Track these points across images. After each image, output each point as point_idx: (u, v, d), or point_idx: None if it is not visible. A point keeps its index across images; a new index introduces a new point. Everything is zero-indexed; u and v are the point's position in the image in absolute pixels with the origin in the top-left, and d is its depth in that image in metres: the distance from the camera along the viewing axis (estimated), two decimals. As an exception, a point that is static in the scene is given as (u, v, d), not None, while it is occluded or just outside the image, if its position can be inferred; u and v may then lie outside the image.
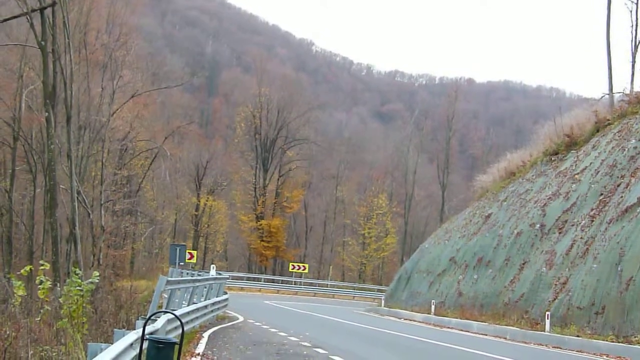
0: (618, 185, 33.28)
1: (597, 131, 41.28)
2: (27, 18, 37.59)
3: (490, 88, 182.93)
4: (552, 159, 44.65)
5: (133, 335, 12.34)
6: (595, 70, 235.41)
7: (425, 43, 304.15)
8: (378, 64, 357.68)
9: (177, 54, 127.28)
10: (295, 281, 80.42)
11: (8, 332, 15.01)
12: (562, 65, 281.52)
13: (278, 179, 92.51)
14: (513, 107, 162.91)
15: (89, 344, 12.10)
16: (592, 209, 34.09)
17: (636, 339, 24.85)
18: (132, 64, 66.77)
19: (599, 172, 36.02)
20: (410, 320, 43.82)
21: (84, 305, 19.58)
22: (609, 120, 40.92)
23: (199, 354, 18.44)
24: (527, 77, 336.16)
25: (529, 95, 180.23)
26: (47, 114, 36.64)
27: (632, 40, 46.58)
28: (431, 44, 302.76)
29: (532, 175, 45.60)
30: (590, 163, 37.91)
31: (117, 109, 60.10)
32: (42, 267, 22.23)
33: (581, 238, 33.04)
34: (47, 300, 21.12)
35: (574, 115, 46.86)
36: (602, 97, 48.24)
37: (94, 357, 10.22)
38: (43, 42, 36.19)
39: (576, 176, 38.46)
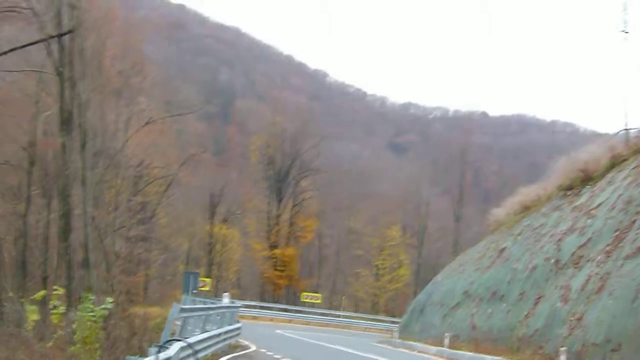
0: (634, 222, 33.07)
1: (613, 167, 41.11)
2: (45, 45, 37.81)
3: (504, 121, 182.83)
4: (567, 193, 44.46)
5: (147, 363, 12.30)
6: (610, 106, 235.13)
7: (440, 75, 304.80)
8: (392, 96, 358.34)
9: (191, 82, 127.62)
10: (308, 311, 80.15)
11: (22, 357, 14.98)
12: (576, 99, 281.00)
13: (292, 209, 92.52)
14: (527, 141, 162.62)
15: (103, 370, 12.06)
16: (607, 245, 33.86)
17: (652, 376, 24.58)
18: (147, 90, 67.15)
19: (614, 207, 35.82)
20: (424, 352, 43.51)
21: (97, 331, 19.54)
22: (624, 156, 40.76)
23: (212, 383, 18.36)
24: (541, 111, 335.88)
25: (543, 129, 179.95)
26: (62, 139, 36.75)
27: (648, 75, 46.52)
28: (445, 76, 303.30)
29: (547, 210, 45.40)
30: (606, 198, 37.71)
31: (132, 136, 60.32)
32: (55, 292, 22.24)
33: (596, 274, 32.81)
34: (60, 326, 21.09)
35: (589, 150, 46.71)
36: (617, 132, 48.12)
37: (109, 383, 10.17)
38: (60, 69, 36.37)
39: (592, 211, 38.25)
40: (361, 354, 35.97)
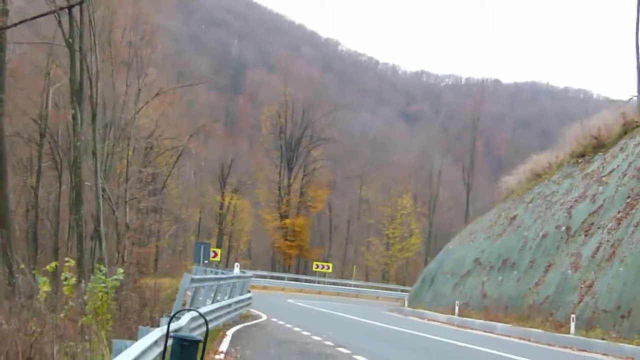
0: (645, 188, 33.01)
1: (625, 133, 40.94)
2: (55, 16, 37.73)
3: (517, 89, 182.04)
4: (579, 161, 44.33)
5: (157, 333, 12.34)
6: (623, 72, 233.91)
7: (452, 43, 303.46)
8: (404, 64, 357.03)
9: (202, 53, 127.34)
10: (318, 280, 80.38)
11: (34, 328, 15.06)
12: (589, 66, 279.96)
13: (302, 178, 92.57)
14: (539, 109, 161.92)
15: (113, 340, 12.11)
16: (619, 212, 33.81)
17: (663, 343, 24.58)
18: (158, 62, 67.03)
19: (626, 174, 35.73)
20: (434, 321, 43.64)
21: (108, 302, 19.62)
22: (637, 122, 40.58)
23: (222, 352, 18.45)
24: (554, 78, 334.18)
25: (555, 96, 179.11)
26: (73, 111, 36.73)
27: (661, 42, 46.15)
28: (457, 44, 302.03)
29: (558, 177, 45.29)
30: (618, 165, 37.60)
31: (142, 107, 60.31)
32: (67, 264, 22.30)
33: (607, 241, 32.79)
34: (71, 297, 21.18)
35: (602, 117, 46.50)
36: (630, 99, 47.86)
37: (119, 354, 10.21)
38: (70, 40, 36.31)
39: (603, 179, 38.16)
40: (372, 322, 36.12)
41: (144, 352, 11.00)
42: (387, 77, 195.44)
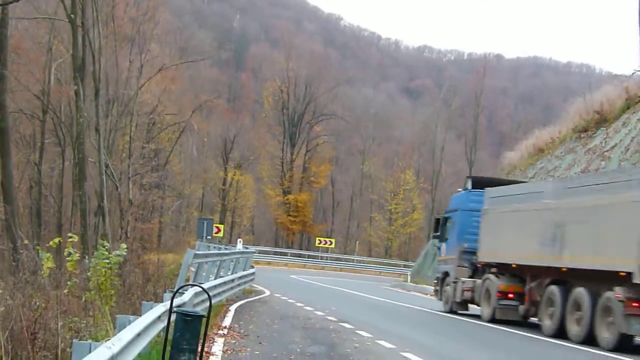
0: (648, 163, 33.01)
1: (628, 108, 40.86)
2: (56, -9, 37.73)
3: (519, 64, 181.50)
4: (582, 135, 44.27)
5: (161, 308, 12.44)
6: (626, 47, 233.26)
7: (454, 18, 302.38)
8: (406, 39, 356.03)
9: (205, 28, 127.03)
10: (321, 256, 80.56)
11: (38, 303, 15.17)
12: (592, 40, 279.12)
13: (305, 154, 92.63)
14: (542, 84, 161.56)
15: (117, 316, 12.21)
16: (621, 187, 33.79)
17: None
18: (160, 37, 66.93)
19: (629, 149, 35.72)
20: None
21: (112, 277, 19.75)
22: (639, 96, 40.51)
23: (225, 327, 18.56)
24: (557, 52, 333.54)
25: (558, 71, 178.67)
26: (76, 87, 36.80)
27: (664, 16, 45.97)
28: (460, 19, 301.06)
29: (561, 152, 45.27)
30: (620, 140, 37.57)
31: (145, 83, 60.27)
32: (70, 240, 22.40)
33: (610, 216, 32.80)
34: (75, 273, 21.29)
35: (604, 91, 46.39)
36: (633, 73, 47.69)
37: (123, 328, 10.30)
38: (72, 15, 36.28)
39: (605, 153, 38.14)
40: (375, 297, 36.28)
41: (147, 327, 11.10)
42: (389, 52, 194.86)
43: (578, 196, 21.37)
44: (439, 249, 31.75)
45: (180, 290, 14.77)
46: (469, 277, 27.55)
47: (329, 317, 23.25)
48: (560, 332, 20.99)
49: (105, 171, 41.48)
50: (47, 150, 55.76)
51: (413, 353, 15.98)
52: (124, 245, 21.59)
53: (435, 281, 31.41)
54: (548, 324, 21.83)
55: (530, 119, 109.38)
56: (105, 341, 8.95)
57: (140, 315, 11.96)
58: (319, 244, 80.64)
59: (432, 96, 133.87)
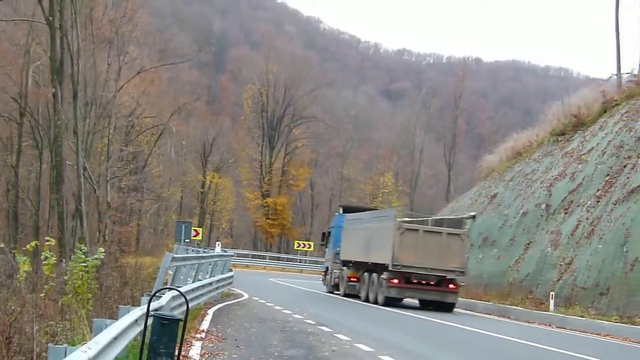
0: (624, 166, 33.23)
1: (605, 112, 41.14)
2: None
3: (498, 67, 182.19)
4: (559, 139, 44.51)
5: (138, 312, 12.41)
6: (603, 51, 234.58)
7: (433, 21, 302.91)
8: (386, 42, 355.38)
9: (185, 30, 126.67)
10: (300, 259, 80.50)
11: (13, 307, 15.08)
12: (570, 45, 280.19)
13: (284, 157, 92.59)
14: (521, 87, 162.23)
15: (94, 319, 12.16)
16: (598, 190, 34.05)
17: (640, 319, 24.92)
18: (139, 40, 66.76)
19: (605, 152, 35.96)
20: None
21: (89, 281, 19.64)
22: (616, 100, 40.77)
23: (203, 331, 18.51)
24: (535, 56, 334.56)
25: (537, 74, 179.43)
26: (54, 89, 36.65)
27: (640, 21, 46.40)
28: (439, 23, 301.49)
29: (539, 155, 45.47)
30: (597, 144, 37.82)
31: (124, 85, 60.14)
32: (47, 243, 22.28)
33: (587, 219, 33.04)
34: (51, 276, 21.19)
35: (582, 95, 46.70)
36: (610, 77, 48.08)
37: (99, 332, 10.27)
38: (51, 18, 36.15)
39: (583, 156, 38.37)
40: (353, 300, 36.26)
41: (124, 331, 11.07)
42: (369, 55, 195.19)
43: (373, 222, 36.17)
44: (324, 252, 45.43)
45: (157, 294, 14.74)
46: (338, 270, 40.11)
47: (307, 320, 23.24)
48: (367, 299, 34.76)
49: (83, 174, 41.30)
50: (25, 152, 55.52)
51: (391, 356, 16.00)
52: (101, 249, 21.50)
53: (323, 273, 45.23)
54: (363, 294, 35.57)
55: (509, 122, 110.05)
56: (82, 345, 8.90)
57: (117, 319, 11.93)
58: (297, 247, 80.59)
59: (411, 99, 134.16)
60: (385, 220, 34.68)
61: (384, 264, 32.65)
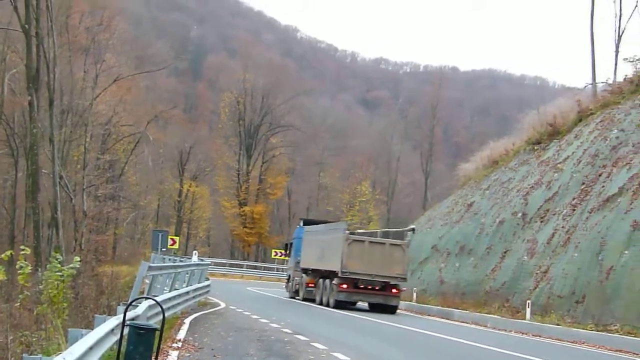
0: (600, 175, 33.44)
1: (580, 121, 41.42)
2: (10, 1, 37.37)
3: (475, 76, 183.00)
4: (535, 148, 44.75)
5: (114, 321, 12.35)
6: (579, 60, 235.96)
7: (411, 30, 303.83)
8: (363, 51, 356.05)
9: (162, 38, 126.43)
10: (277, 268, 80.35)
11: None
12: (546, 54, 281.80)
13: (262, 165, 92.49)
14: (497, 96, 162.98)
15: (69, 329, 12.09)
16: (573, 198, 34.23)
17: (615, 327, 25.02)
18: (116, 47, 66.51)
19: (581, 161, 36.18)
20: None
21: (65, 290, 19.52)
22: (591, 110, 41.06)
23: (180, 340, 18.43)
24: (512, 65, 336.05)
25: (513, 83, 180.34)
26: (30, 97, 36.44)
27: (615, 31, 46.84)
28: (416, 32, 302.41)
29: (515, 164, 45.69)
30: (573, 152, 38.06)
31: (100, 93, 59.92)
32: (23, 252, 22.11)
33: (563, 227, 33.21)
34: (27, 286, 21.03)
35: (558, 104, 46.99)
36: (585, 86, 48.52)
37: (75, 342, 10.21)
38: (27, 25, 35.97)
39: (558, 165, 38.60)
40: (330, 309, 36.27)
41: (100, 341, 11.01)
42: (346, 63, 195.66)
43: (327, 234, 39.69)
44: (287, 261, 50.84)
45: (133, 303, 14.68)
46: (299, 277, 43.30)
47: (285, 329, 23.21)
48: (321, 302, 38.30)
49: (60, 182, 41.07)
50: (0, 161, 55.14)
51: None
52: (77, 258, 21.39)
53: (286, 280, 49.08)
54: (318, 298, 39.15)
55: (485, 130, 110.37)
56: (57, 355, 8.85)
57: (93, 329, 11.87)
58: (275, 255, 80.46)
59: (388, 107, 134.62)
60: (336, 232, 38.00)
61: (335, 271, 36.53)
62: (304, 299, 41.45)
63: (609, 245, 27.93)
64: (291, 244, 47.85)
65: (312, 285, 40.77)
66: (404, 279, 36.97)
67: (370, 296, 36.81)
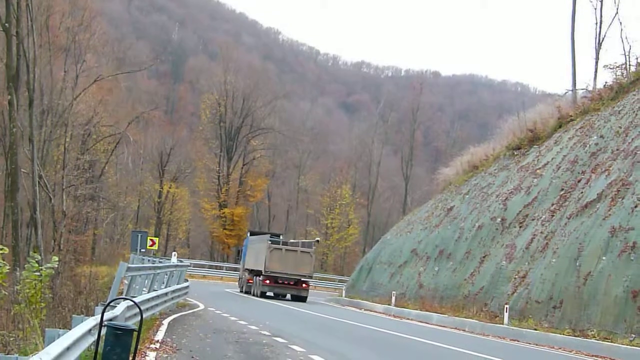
0: (579, 181, 33.63)
1: (560, 127, 41.67)
2: (-10, 0, 37.18)
3: (456, 81, 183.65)
4: (515, 153, 44.97)
5: (91, 322, 12.31)
6: (559, 66, 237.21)
7: (392, 35, 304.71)
8: (344, 55, 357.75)
9: (143, 40, 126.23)
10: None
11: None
12: (527, 60, 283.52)
13: (242, 168, 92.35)
14: (478, 101, 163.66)
15: (46, 329, 12.05)
16: (552, 204, 34.41)
17: (592, 333, 25.15)
18: (97, 48, 66.27)
19: (560, 167, 36.38)
20: (371, 311, 43.99)
21: (43, 290, 19.44)
22: (571, 116, 41.31)
23: (158, 341, 18.40)
24: (493, 71, 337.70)
25: (494, 89, 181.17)
26: (9, 96, 36.30)
27: (596, 38, 47.12)
28: (398, 36, 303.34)
29: (495, 169, 45.88)
30: (552, 158, 38.25)
31: (80, 93, 59.68)
32: (1, 252, 21.99)
33: (541, 232, 33.36)
34: (4, 285, 20.92)
35: (538, 110, 47.26)
36: (565, 93, 48.74)
37: (52, 342, 10.18)
38: (7, 25, 35.82)
39: (538, 171, 38.79)
40: (309, 312, 36.31)
41: (77, 341, 10.98)
42: (327, 67, 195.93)
43: (258, 243, 50.86)
44: (240, 265, 58.75)
45: (111, 304, 14.66)
46: (245, 276, 53.63)
47: (263, 332, 23.22)
48: (254, 293, 49.46)
49: (39, 182, 40.92)
50: (-21, 160, 54.81)
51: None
52: (55, 258, 21.29)
53: (238, 280, 60.01)
54: (252, 290, 50.16)
55: (465, 135, 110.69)
56: (34, 355, 8.83)
57: (70, 329, 11.83)
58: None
59: (369, 111, 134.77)
60: (263, 242, 49.15)
61: (260, 270, 47.97)
62: (245, 292, 52.55)
63: (586, 251, 28.09)
64: (241, 250, 59.65)
65: (251, 281, 51.28)
66: (311, 277, 49.06)
67: (287, 289, 48.14)
